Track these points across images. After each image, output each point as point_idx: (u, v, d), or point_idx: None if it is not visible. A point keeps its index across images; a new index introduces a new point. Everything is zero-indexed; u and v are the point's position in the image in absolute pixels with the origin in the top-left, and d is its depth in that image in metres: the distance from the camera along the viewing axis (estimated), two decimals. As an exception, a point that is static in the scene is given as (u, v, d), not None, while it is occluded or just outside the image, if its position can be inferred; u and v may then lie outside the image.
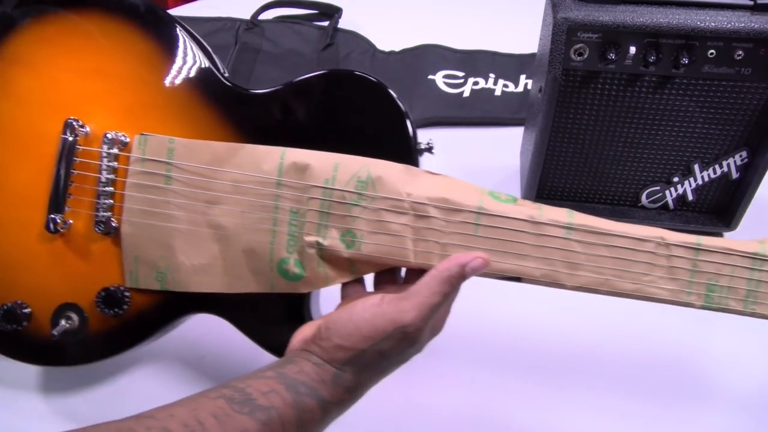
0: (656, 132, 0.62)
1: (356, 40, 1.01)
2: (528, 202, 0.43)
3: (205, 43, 0.49)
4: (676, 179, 0.66)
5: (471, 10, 1.09)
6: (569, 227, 0.41)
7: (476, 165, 0.79)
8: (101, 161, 0.46)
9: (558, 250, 0.41)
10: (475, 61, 0.97)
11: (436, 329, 0.41)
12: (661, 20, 0.55)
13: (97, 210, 0.46)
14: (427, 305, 0.37)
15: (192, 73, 0.48)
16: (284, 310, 0.47)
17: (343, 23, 1.04)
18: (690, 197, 0.67)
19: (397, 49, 1.00)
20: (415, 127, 0.46)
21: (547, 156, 0.65)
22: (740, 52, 0.56)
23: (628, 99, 0.60)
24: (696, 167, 0.64)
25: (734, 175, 0.64)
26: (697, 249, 0.41)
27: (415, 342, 0.38)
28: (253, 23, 1.04)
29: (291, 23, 1.06)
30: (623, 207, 0.69)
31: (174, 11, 1.12)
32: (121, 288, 0.47)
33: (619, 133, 0.63)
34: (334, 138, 0.45)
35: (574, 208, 0.68)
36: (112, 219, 0.46)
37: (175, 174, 0.45)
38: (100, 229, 0.47)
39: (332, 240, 0.42)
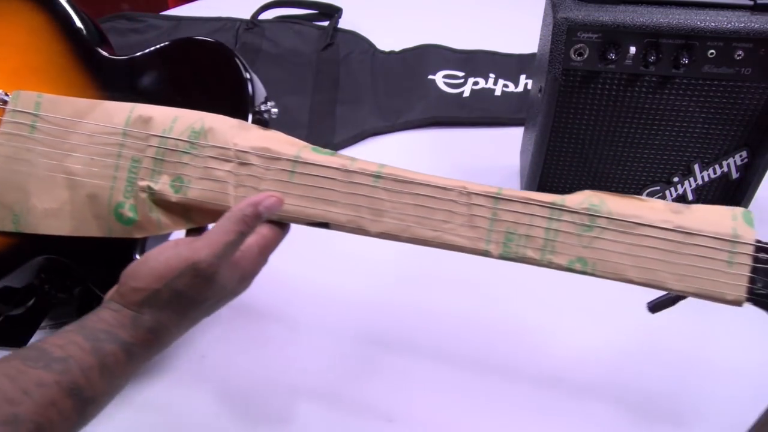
0: (656, 132, 0.62)
1: (356, 40, 1.02)
2: (345, 155, 0.45)
3: (85, 15, 0.55)
4: (676, 179, 0.66)
5: (471, 10, 1.09)
6: (377, 176, 0.43)
7: (476, 165, 0.79)
8: None
9: (365, 197, 0.43)
10: (475, 61, 0.97)
11: (246, 275, 0.42)
12: (661, 20, 0.55)
13: None
14: (221, 243, 0.38)
15: (71, 41, 0.54)
16: (117, 255, 0.49)
17: (343, 23, 1.04)
18: (690, 197, 0.67)
19: (397, 49, 1.00)
20: (257, 89, 0.51)
21: (547, 156, 0.65)
22: (740, 52, 0.56)
23: (628, 99, 0.60)
24: (696, 167, 0.64)
25: (734, 175, 0.64)
26: (496, 198, 0.42)
27: (210, 280, 0.38)
28: (253, 23, 1.04)
29: (291, 23, 1.06)
30: (623, 207, 0.69)
31: (174, 11, 1.12)
32: None
33: (619, 133, 0.63)
34: (185, 97, 0.50)
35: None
36: None
37: (39, 124, 0.48)
38: None
39: (163, 185, 0.45)
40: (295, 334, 0.59)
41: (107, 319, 0.37)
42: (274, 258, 0.66)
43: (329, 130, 0.84)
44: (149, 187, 0.45)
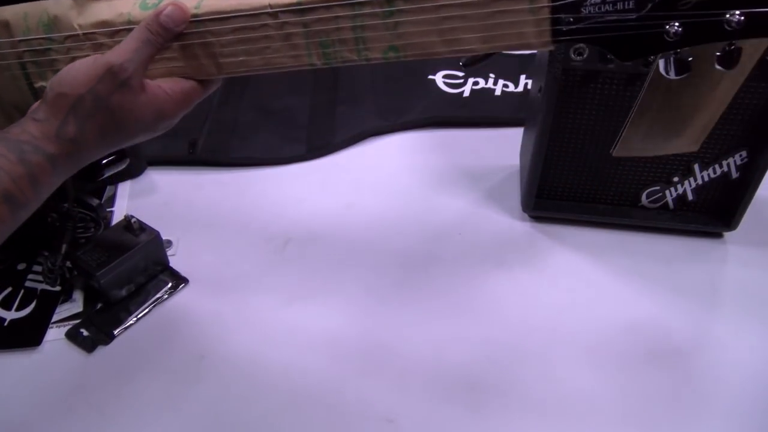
0: (656, 132, 0.62)
1: (356, 40, 1.01)
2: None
3: None
4: (676, 179, 0.66)
5: (471, 10, 1.08)
6: (197, 19, 0.44)
7: (476, 165, 0.79)
8: None
9: (199, 45, 0.44)
10: (475, 61, 0.97)
11: (164, 112, 0.44)
12: (661, 20, 0.55)
13: None
14: (130, 49, 0.42)
15: None
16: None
17: (343, 23, 1.04)
18: (690, 197, 0.67)
19: (397, 49, 1.00)
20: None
21: (547, 156, 0.65)
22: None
23: (628, 99, 0.60)
24: (696, 167, 0.64)
25: (734, 175, 0.64)
26: (301, 9, 0.42)
27: (126, 86, 0.41)
28: (253, 23, 1.04)
29: (291, 23, 1.06)
30: (623, 207, 0.69)
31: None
32: None
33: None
34: None
35: (574, 208, 0.69)
36: None
37: None
38: None
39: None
40: (295, 335, 0.59)
41: (32, 132, 0.40)
42: (274, 260, 0.67)
43: (329, 130, 0.84)
44: (42, 86, 0.48)
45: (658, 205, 0.68)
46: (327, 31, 0.42)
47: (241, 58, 0.44)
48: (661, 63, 0.39)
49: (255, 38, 0.43)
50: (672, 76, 0.39)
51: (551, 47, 0.40)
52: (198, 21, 0.44)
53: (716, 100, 0.44)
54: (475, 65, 0.48)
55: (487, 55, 0.45)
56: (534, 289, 0.63)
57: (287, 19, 0.42)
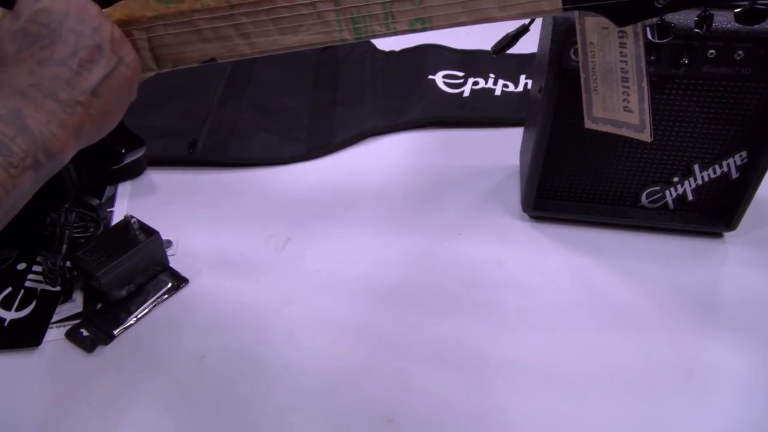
0: (656, 132, 0.62)
1: (356, 40, 1.02)
2: None
3: None
4: (676, 179, 0.66)
5: (471, 10, 1.09)
6: (230, 5, 0.46)
7: (476, 165, 0.79)
8: None
9: (230, 27, 0.47)
10: (475, 61, 0.97)
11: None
12: (661, 20, 0.55)
13: None
14: None
15: None
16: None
17: (343, 23, 1.04)
18: (690, 197, 0.67)
19: (397, 49, 1.00)
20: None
21: (547, 156, 0.65)
22: (740, 52, 0.56)
23: (628, 99, 0.60)
24: (696, 167, 0.64)
25: (734, 175, 0.64)
26: None
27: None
28: (253, 23, 1.04)
29: (291, 23, 1.06)
30: (623, 207, 0.69)
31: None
32: None
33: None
34: None
35: (574, 208, 0.69)
36: None
37: None
38: None
39: None
40: (295, 335, 0.59)
41: None
42: (274, 259, 0.67)
43: (329, 130, 0.84)
44: None
45: (658, 205, 0.68)
46: (358, 8, 0.45)
47: (274, 38, 0.48)
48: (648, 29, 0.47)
49: (289, 17, 0.46)
50: (655, 39, 0.46)
51: (561, 12, 0.44)
52: (230, 6, 0.46)
53: None
54: (502, 51, 0.54)
55: (515, 38, 0.51)
56: (534, 289, 0.63)
57: None
